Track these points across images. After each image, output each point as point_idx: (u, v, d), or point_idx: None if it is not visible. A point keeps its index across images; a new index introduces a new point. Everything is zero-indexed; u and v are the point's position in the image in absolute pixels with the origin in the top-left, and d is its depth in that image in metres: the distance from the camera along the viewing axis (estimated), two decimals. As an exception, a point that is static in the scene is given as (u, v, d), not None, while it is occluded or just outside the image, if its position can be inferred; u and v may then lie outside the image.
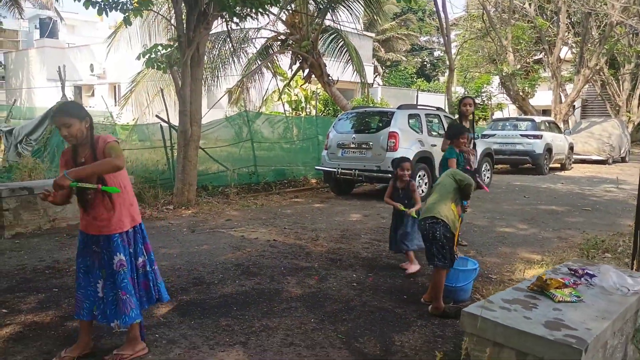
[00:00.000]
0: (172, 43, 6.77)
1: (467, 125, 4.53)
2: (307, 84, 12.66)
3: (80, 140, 2.22)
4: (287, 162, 9.57)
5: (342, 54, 11.69)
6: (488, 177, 9.42)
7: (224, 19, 7.00)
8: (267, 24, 11.42)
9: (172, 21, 7.08)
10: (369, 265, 4.03)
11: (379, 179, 7.51)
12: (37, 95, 22.48)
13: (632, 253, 3.18)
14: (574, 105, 19.39)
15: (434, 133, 7.91)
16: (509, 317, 1.87)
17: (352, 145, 7.70)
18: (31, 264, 3.93)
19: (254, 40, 11.74)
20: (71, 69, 20.80)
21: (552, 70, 16.91)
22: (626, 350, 2.22)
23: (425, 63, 35.04)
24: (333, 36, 11.66)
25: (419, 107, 8.41)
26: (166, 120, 7.72)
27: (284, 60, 12.37)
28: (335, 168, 7.70)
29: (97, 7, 5.64)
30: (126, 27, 6.54)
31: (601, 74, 18.79)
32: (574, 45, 18.82)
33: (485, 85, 21.48)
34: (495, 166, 10.96)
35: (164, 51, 6.48)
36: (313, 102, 14.22)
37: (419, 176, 7.48)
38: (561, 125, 15.56)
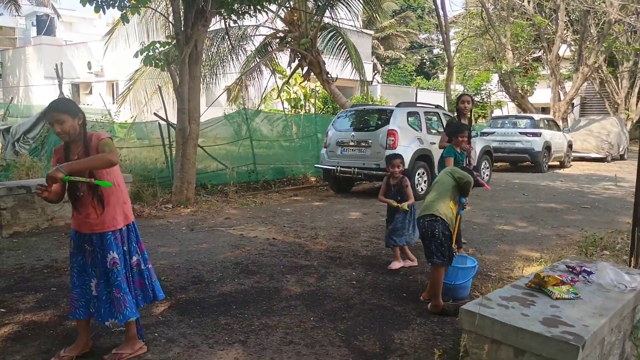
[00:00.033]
0: (170, 40, 6.74)
1: (464, 122, 4.52)
2: (306, 81, 12.62)
3: (73, 137, 2.21)
4: (287, 160, 9.57)
5: (341, 51, 11.68)
6: (487, 175, 9.43)
7: (222, 17, 6.98)
8: (266, 21, 11.39)
9: (170, 18, 7.05)
10: (369, 263, 4.03)
11: (378, 177, 7.51)
12: (35, 93, 22.40)
13: (630, 250, 3.19)
14: (573, 103, 19.41)
15: (433, 131, 7.91)
16: (506, 314, 1.88)
17: (351, 143, 7.70)
18: (29, 263, 3.92)
19: (252, 37, 11.71)
20: (68, 67, 20.75)
21: (551, 68, 16.91)
22: (624, 347, 2.23)
23: (424, 61, 35.01)
24: (332, 34, 11.64)
25: (418, 105, 8.41)
26: (164, 118, 7.70)
27: (283, 58, 12.34)
28: (334, 166, 7.70)
29: (94, 4, 5.61)
30: (124, 24, 6.52)
31: (600, 71, 18.80)
32: (572, 43, 18.82)
33: (484, 83, 21.47)
34: (495, 164, 10.97)
35: (161, 49, 6.46)
36: (312, 100, 14.20)
37: (418, 174, 7.49)
38: (560, 123, 15.58)
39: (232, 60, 11.54)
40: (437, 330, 2.76)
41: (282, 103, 13.38)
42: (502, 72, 16.78)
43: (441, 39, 16.14)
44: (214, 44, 11.30)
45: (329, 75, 10.76)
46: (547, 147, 11.97)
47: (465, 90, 20.97)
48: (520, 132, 12.08)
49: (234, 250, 4.36)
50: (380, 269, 3.87)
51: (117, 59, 15.49)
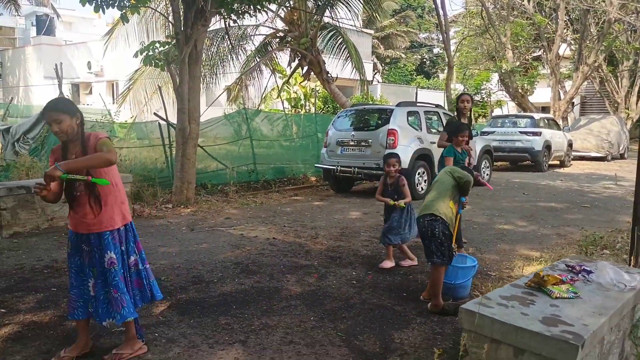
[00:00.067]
0: (169, 40, 6.74)
1: (464, 122, 4.52)
2: (306, 81, 12.62)
3: (70, 137, 2.21)
4: (287, 160, 9.57)
5: (341, 51, 11.67)
6: (487, 174, 9.43)
7: (221, 16, 6.98)
8: (266, 21, 11.38)
9: (170, 18, 7.05)
10: (369, 263, 4.04)
11: (379, 177, 7.49)
12: (35, 94, 22.39)
13: (630, 249, 3.19)
14: (573, 102, 19.40)
15: (433, 130, 7.91)
16: (506, 313, 1.88)
17: (352, 143, 7.70)
18: (29, 263, 3.92)
19: (252, 37, 11.71)
20: (68, 67, 20.74)
21: (551, 67, 16.90)
22: (623, 346, 2.23)
23: (424, 60, 34.99)
24: (332, 33, 11.64)
25: (418, 104, 8.41)
26: (164, 118, 7.70)
27: (283, 58, 12.33)
28: (334, 166, 7.70)
29: (93, 4, 5.61)
30: (123, 24, 6.52)
31: (600, 70, 18.79)
32: (572, 42, 18.81)
33: (484, 83, 21.47)
34: (495, 163, 10.97)
35: (161, 48, 6.46)
36: (312, 100, 14.20)
37: (418, 173, 7.49)
38: (560, 122, 15.57)
39: (232, 59, 11.53)
40: (437, 329, 2.76)
41: (282, 103, 13.38)
42: (502, 71, 16.78)
43: (441, 38, 16.14)
44: (214, 43, 11.30)
45: (329, 75, 10.76)
46: (547, 147, 11.97)
47: (466, 90, 20.97)
48: (520, 132, 12.08)
49: (234, 250, 4.36)
50: (380, 269, 3.87)
51: (117, 59, 15.49)
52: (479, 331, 1.86)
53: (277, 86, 12.94)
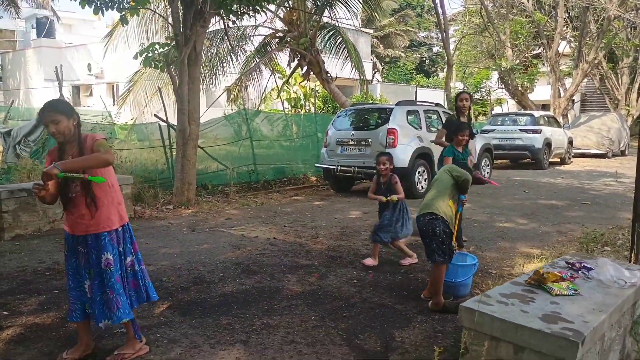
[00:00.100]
0: (169, 42, 6.75)
1: (464, 120, 4.52)
2: (305, 81, 12.63)
3: (68, 138, 2.21)
4: (287, 160, 9.58)
5: (341, 50, 11.67)
6: (488, 173, 9.43)
7: (220, 17, 6.98)
8: (265, 21, 11.39)
9: (169, 20, 7.06)
10: (369, 261, 4.04)
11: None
12: (35, 96, 22.43)
13: (630, 246, 3.19)
14: (573, 100, 19.40)
15: (433, 129, 7.91)
16: (506, 311, 1.88)
17: (351, 143, 7.70)
18: (31, 265, 3.94)
19: (251, 37, 11.71)
20: (68, 69, 20.78)
21: (550, 64, 16.88)
22: (624, 343, 2.23)
23: (424, 59, 34.96)
24: (331, 33, 11.64)
25: (417, 103, 8.41)
26: (165, 119, 7.71)
27: (282, 58, 12.34)
28: (334, 165, 7.71)
29: (93, 7, 5.63)
30: (123, 26, 6.53)
31: (600, 68, 18.77)
32: (572, 39, 18.79)
33: (484, 81, 21.46)
34: (495, 161, 10.96)
35: (161, 50, 6.47)
36: (312, 100, 14.20)
37: (418, 172, 7.50)
38: (560, 120, 15.56)
39: (232, 60, 11.55)
40: (438, 328, 2.76)
41: (282, 103, 13.39)
42: (502, 69, 16.77)
43: (440, 37, 16.13)
44: (214, 44, 11.31)
45: (328, 75, 10.76)
46: (548, 144, 11.97)
47: (465, 88, 20.96)
48: (520, 129, 12.07)
49: (235, 251, 4.37)
50: (380, 268, 3.87)
51: (117, 61, 15.52)
52: (478, 329, 1.87)
53: (277, 86, 12.94)
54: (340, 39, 11.54)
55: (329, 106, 14.52)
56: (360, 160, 7.46)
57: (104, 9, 5.75)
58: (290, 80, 13.31)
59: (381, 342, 2.59)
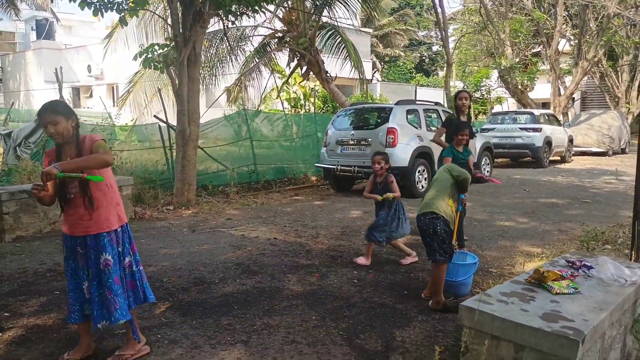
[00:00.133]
0: (168, 43, 6.75)
1: (464, 119, 4.52)
2: (305, 81, 12.63)
3: (66, 139, 2.21)
4: (287, 160, 9.58)
5: (340, 50, 11.67)
6: (488, 172, 9.43)
7: (219, 18, 6.98)
8: (264, 21, 11.39)
9: (168, 21, 7.06)
10: (370, 261, 4.04)
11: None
12: (35, 98, 22.44)
13: (631, 244, 3.19)
14: (573, 98, 19.36)
15: (433, 128, 7.91)
16: (506, 310, 1.88)
17: (351, 142, 7.70)
18: (32, 267, 3.94)
19: (251, 38, 11.71)
20: (68, 71, 20.78)
21: (550, 63, 16.87)
22: (625, 341, 2.23)
23: (423, 58, 34.93)
24: (330, 33, 11.64)
25: (417, 102, 8.40)
26: (165, 120, 7.72)
27: (282, 58, 12.34)
28: (334, 165, 7.71)
29: (92, 8, 5.63)
30: (122, 27, 6.54)
31: (600, 65, 18.75)
32: (572, 37, 18.76)
33: (484, 79, 21.42)
34: (495, 160, 10.96)
35: (160, 51, 6.47)
36: (312, 99, 14.20)
37: (419, 171, 7.49)
38: (560, 118, 15.55)
39: (231, 61, 11.55)
40: (439, 327, 2.76)
41: (282, 103, 13.39)
42: (502, 67, 16.75)
43: (440, 36, 16.12)
44: (213, 45, 11.31)
45: (328, 74, 10.76)
46: (548, 142, 11.96)
47: (465, 87, 20.94)
48: (520, 128, 12.06)
49: (235, 251, 4.37)
50: (381, 267, 3.87)
51: (116, 62, 15.54)
52: (479, 328, 1.87)
53: (277, 86, 12.94)
54: (340, 38, 11.54)
55: (328, 106, 14.52)
56: (360, 160, 7.46)
57: (103, 10, 5.75)
58: (289, 80, 13.31)
59: (382, 341, 2.59)
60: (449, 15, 18.15)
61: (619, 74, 19.62)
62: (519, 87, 17.21)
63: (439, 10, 12.13)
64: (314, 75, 11.21)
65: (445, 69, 14.05)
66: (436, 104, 8.60)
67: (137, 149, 8.43)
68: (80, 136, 2.26)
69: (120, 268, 2.32)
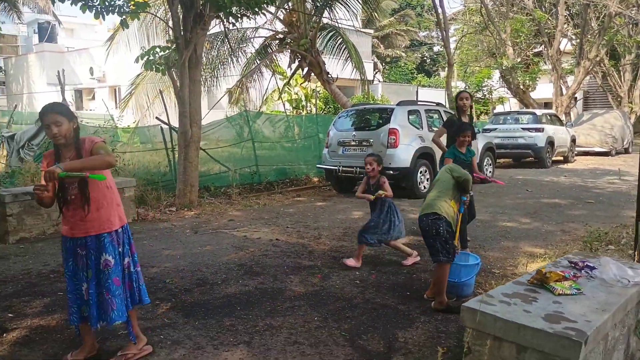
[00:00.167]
0: (169, 45, 6.78)
1: (465, 120, 4.51)
2: (306, 82, 12.64)
3: (68, 140, 2.23)
4: (289, 161, 9.59)
5: (341, 51, 11.68)
6: (490, 172, 9.41)
7: (220, 20, 7.00)
8: (265, 23, 11.41)
9: (169, 23, 7.09)
10: (372, 262, 4.04)
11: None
12: (38, 100, 22.52)
13: (634, 244, 3.18)
14: (576, 97, 19.31)
15: (434, 129, 7.90)
16: (508, 310, 1.88)
17: (353, 143, 7.71)
18: (36, 268, 3.96)
19: (252, 39, 11.74)
20: (71, 73, 20.87)
21: (552, 62, 16.83)
22: (629, 342, 2.22)
23: (425, 58, 34.91)
24: (331, 34, 11.65)
25: (418, 103, 8.40)
26: (167, 122, 7.74)
27: (283, 59, 12.36)
28: (336, 166, 7.71)
29: (93, 11, 5.66)
30: (124, 29, 6.57)
31: (602, 65, 18.69)
32: (573, 37, 18.72)
33: (485, 80, 21.40)
34: (498, 160, 10.93)
35: (162, 53, 6.49)
36: (313, 101, 14.22)
37: (420, 172, 7.49)
38: (563, 118, 15.50)
39: (233, 62, 11.57)
40: (441, 328, 2.76)
41: (284, 104, 13.41)
42: (503, 68, 16.73)
43: (441, 36, 16.12)
44: (214, 47, 11.34)
45: (329, 76, 10.77)
46: (550, 142, 11.92)
47: (467, 87, 20.93)
48: (522, 128, 12.03)
49: (237, 252, 4.38)
50: (383, 268, 3.87)
51: (118, 64, 15.59)
52: (481, 329, 1.87)
53: (278, 88, 12.97)
54: (341, 39, 11.55)
55: (330, 107, 14.54)
56: (362, 161, 7.42)
57: (104, 13, 5.78)
58: (291, 82, 13.34)
59: (384, 342, 2.59)
60: (450, 16, 18.13)
61: (621, 73, 19.56)
62: (521, 87, 17.19)
63: (440, 10, 12.12)
64: (315, 77, 11.22)
65: (446, 69, 14.04)
66: (437, 104, 8.60)
67: (140, 150, 8.46)
68: (80, 138, 2.27)
69: (121, 269, 2.33)
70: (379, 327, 2.77)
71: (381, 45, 28.62)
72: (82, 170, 2.13)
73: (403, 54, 30.44)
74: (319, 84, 12.49)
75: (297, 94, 15.37)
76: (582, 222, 5.53)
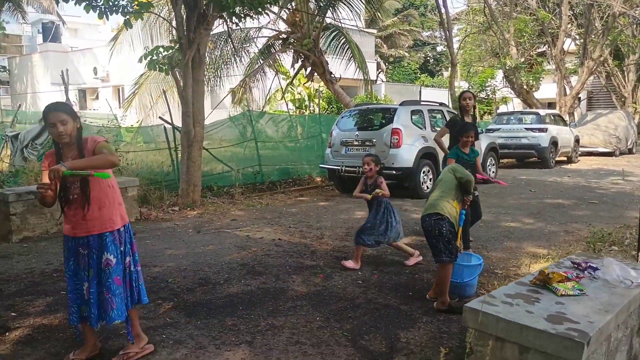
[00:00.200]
0: (173, 45, 6.80)
1: (468, 120, 4.50)
2: (309, 82, 12.65)
3: (71, 139, 2.24)
4: (292, 161, 9.60)
5: (344, 51, 11.68)
6: (493, 172, 9.39)
7: (223, 20, 7.02)
8: (268, 23, 11.43)
9: (173, 23, 7.11)
10: (374, 262, 4.04)
11: (383, 176, 7.51)
12: (42, 100, 22.64)
13: (638, 245, 3.17)
14: (579, 98, 19.23)
15: (437, 129, 7.88)
16: (510, 311, 1.87)
17: (356, 143, 7.70)
18: (39, 267, 3.98)
19: (255, 39, 11.76)
20: (75, 73, 20.96)
21: (555, 62, 16.75)
22: (632, 343, 2.21)
23: (428, 58, 34.85)
24: (334, 34, 11.66)
25: (421, 103, 8.39)
26: (170, 121, 7.76)
27: (286, 59, 12.38)
28: (339, 166, 7.71)
29: (97, 11, 5.68)
30: (127, 29, 6.59)
31: (605, 65, 18.59)
32: (577, 37, 18.64)
33: (489, 80, 21.34)
34: (501, 160, 10.90)
35: (165, 53, 6.51)
36: (316, 100, 14.22)
37: (423, 172, 7.48)
38: (566, 118, 15.44)
39: (236, 62, 11.59)
40: (444, 328, 2.76)
41: (287, 104, 13.43)
42: (507, 68, 16.67)
43: (444, 36, 16.09)
44: (217, 46, 11.37)
45: (332, 75, 10.77)
46: (554, 143, 11.87)
47: (470, 87, 20.86)
48: (526, 128, 11.99)
49: (240, 252, 4.39)
50: (385, 268, 3.87)
51: (122, 64, 15.63)
52: (483, 329, 1.86)
53: (281, 87, 12.98)
54: (344, 39, 11.56)
55: (333, 107, 14.53)
56: (365, 161, 7.45)
57: (108, 13, 5.80)
58: (294, 82, 13.34)
59: (386, 342, 2.59)
60: (453, 16, 18.10)
61: (625, 73, 19.45)
62: (524, 87, 17.12)
63: (443, 10, 12.11)
64: (318, 76, 11.23)
65: (449, 69, 14.01)
66: (441, 104, 8.58)
67: (143, 150, 8.48)
68: (82, 138, 2.28)
69: (122, 268, 2.33)
70: (381, 328, 2.77)
71: (384, 45, 28.60)
72: (86, 169, 2.13)
73: (406, 54, 30.40)
74: (322, 83, 12.50)
75: (300, 93, 15.38)
76: (585, 223, 5.51)
